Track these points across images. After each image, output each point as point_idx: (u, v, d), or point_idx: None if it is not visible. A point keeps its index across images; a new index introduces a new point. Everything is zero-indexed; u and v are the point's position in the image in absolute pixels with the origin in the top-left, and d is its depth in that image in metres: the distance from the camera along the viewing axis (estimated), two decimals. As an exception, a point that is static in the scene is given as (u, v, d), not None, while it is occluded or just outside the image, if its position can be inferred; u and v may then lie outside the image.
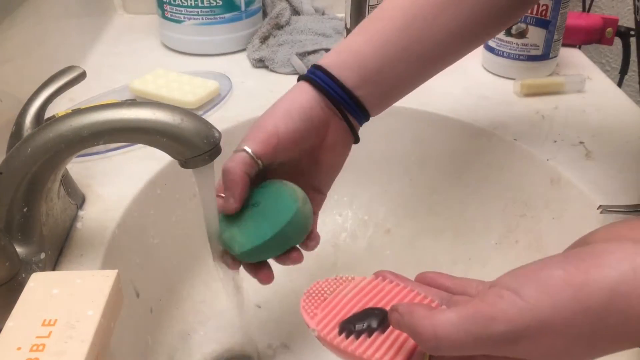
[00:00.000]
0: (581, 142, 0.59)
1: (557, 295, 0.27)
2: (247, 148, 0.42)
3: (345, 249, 0.65)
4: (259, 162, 0.42)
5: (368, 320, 0.34)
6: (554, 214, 0.55)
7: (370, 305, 0.36)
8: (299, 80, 0.46)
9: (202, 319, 0.58)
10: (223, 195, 0.42)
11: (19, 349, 0.30)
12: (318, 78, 0.44)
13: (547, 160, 0.56)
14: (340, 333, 0.34)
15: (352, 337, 0.34)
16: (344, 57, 0.45)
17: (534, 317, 0.27)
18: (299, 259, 0.44)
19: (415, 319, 0.29)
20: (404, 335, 0.33)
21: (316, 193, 0.47)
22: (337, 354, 0.35)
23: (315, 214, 0.46)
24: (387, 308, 0.33)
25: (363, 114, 0.46)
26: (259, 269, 0.44)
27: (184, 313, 0.57)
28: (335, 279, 0.39)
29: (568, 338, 0.28)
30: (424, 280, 0.38)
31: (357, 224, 0.66)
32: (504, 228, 0.59)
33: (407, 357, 0.33)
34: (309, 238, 0.45)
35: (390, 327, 0.33)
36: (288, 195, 0.42)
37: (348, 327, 0.34)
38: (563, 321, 0.27)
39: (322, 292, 0.38)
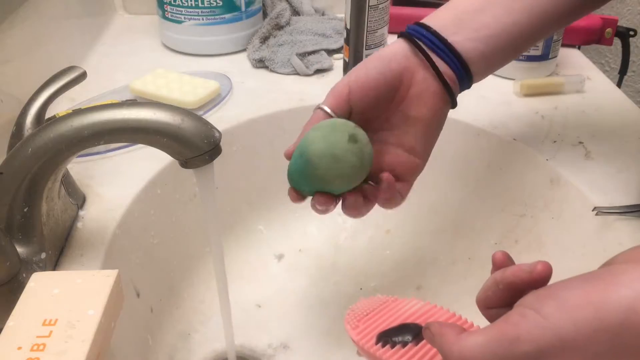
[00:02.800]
0: (580, 142, 0.59)
1: (578, 314, 0.28)
2: (322, 106, 0.43)
3: (345, 249, 0.65)
4: (333, 115, 0.42)
5: (403, 334, 0.37)
6: (553, 214, 0.55)
7: (408, 322, 0.38)
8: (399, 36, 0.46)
9: (202, 319, 0.58)
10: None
11: (19, 348, 0.30)
12: (408, 29, 0.44)
13: (547, 160, 0.57)
14: (377, 343, 0.37)
15: (387, 346, 0.36)
16: (449, 13, 0.44)
17: (556, 336, 0.28)
18: (354, 204, 0.42)
19: (445, 342, 0.30)
20: (435, 349, 0.34)
21: (410, 155, 0.44)
22: None
23: (407, 181, 0.45)
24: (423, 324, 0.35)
25: (460, 64, 0.43)
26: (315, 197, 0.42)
27: (184, 313, 0.57)
28: (379, 297, 0.42)
29: (587, 355, 0.28)
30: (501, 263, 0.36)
31: (357, 224, 0.66)
32: (504, 228, 0.59)
33: None
34: (372, 179, 0.43)
35: (424, 341, 0.35)
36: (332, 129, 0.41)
37: (385, 338, 0.37)
38: (584, 339, 0.27)
39: (366, 308, 0.41)
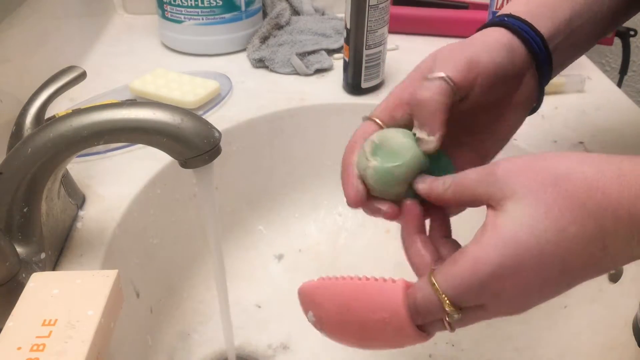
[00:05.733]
0: (581, 142, 0.59)
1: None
2: (444, 75, 0.35)
3: (345, 249, 0.65)
4: (457, 93, 0.35)
5: None
6: (553, 214, 0.55)
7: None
8: (484, 27, 0.40)
9: (202, 319, 0.58)
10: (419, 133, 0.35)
11: (19, 348, 0.30)
12: (514, 24, 0.38)
13: (547, 160, 0.56)
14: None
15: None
16: (533, 5, 0.40)
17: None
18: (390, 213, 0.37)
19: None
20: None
21: (478, 162, 0.37)
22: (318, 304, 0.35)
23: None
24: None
25: (548, 73, 0.40)
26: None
27: (184, 313, 0.57)
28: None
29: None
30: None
31: (357, 224, 0.66)
32: (504, 228, 0.59)
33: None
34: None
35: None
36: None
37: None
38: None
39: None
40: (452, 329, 0.31)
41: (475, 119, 0.39)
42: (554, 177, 0.29)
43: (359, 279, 0.33)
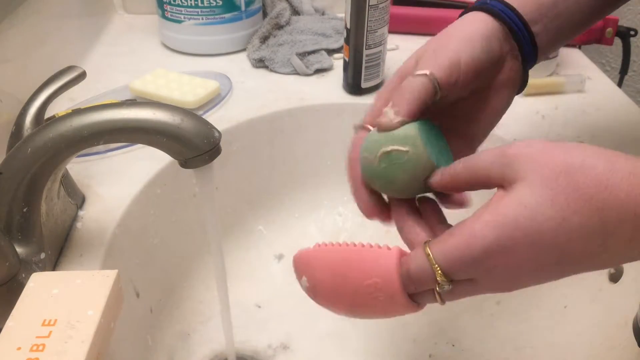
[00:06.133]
0: (581, 142, 0.59)
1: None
2: (428, 72, 0.36)
3: (345, 249, 0.65)
4: (439, 92, 0.36)
5: None
6: (554, 214, 0.55)
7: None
8: (466, 11, 0.41)
9: (201, 319, 0.58)
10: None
11: (19, 349, 0.30)
12: (495, 7, 0.39)
13: (547, 160, 0.56)
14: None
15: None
16: None
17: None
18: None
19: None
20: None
21: (466, 146, 0.41)
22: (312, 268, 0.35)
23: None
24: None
25: (533, 56, 0.41)
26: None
27: (184, 313, 0.57)
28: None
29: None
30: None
31: (357, 224, 0.66)
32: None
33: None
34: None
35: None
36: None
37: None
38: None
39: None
40: (443, 301, 0.32)
41: (458, 107, 0.40)
42: (566, 167, 0.29)
43: (355, 245, 0.34)
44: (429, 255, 0.31)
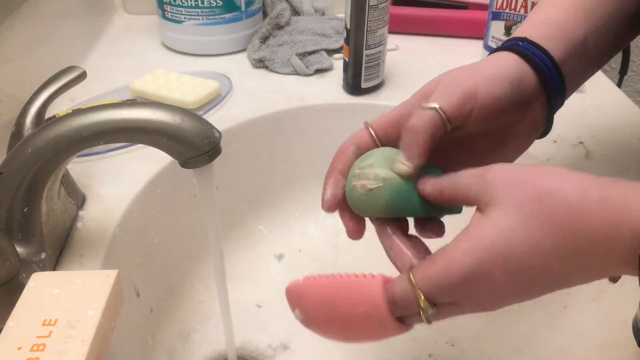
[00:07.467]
0: (581, 142, 0.59)
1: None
2: (437, 106, 0.36)
3: (345, 249, 0.65)
4: (448, 124, 0.36)
5: None
6: (553, 214, 0.55)
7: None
8: (498, 49, 0.40)
9: (201, 319, 0.58)
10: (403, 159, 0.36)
11: (19, 348, 0.30)
12: (525, 48, 0.38)
13: (547, 160, 0.56)
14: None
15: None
16: (547, 28, 0.40)
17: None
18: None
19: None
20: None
21: None
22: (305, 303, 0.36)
23: None
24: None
25: (560, 98, 0.40)
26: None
27: (184, 313, 0.57)
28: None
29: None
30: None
31: (357, 224, 0.66)
32: (504, 228, 0.59)
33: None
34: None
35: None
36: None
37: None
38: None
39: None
40: (429, 322, 0.33)
41: (476, 144, 0.40)
42: (540, 193, 0.29)
43: (341, 276, 0.35)
44: (411, 281, 0.32)
